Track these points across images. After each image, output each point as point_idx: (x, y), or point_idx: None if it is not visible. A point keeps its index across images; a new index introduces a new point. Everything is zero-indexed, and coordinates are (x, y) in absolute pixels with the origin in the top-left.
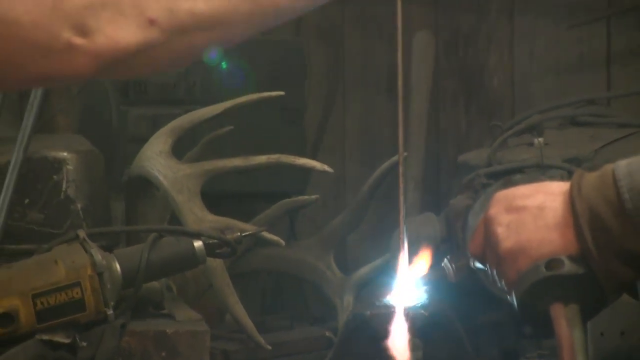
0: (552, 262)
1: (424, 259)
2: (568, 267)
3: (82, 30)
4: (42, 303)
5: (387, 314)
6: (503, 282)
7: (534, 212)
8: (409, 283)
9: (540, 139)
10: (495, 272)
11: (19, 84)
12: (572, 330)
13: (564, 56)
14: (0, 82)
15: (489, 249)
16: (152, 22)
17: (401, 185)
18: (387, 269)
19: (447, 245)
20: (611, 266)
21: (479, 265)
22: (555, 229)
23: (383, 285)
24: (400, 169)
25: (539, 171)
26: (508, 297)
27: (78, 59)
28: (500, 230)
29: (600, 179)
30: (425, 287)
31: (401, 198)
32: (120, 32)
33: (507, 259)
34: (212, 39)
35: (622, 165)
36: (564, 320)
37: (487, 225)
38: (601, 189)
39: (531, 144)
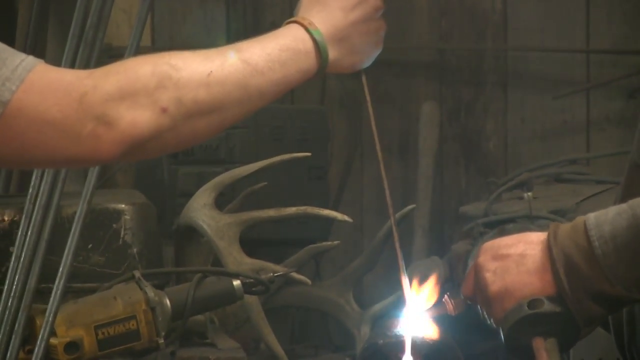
0: (533, 302)
1: (431, 294)
2: (547, 306)
3: (105, 121)
4: (103, 333)
5: (397, 343)
6: (492, 320)
7: (517, 259)
8: (416, 316)
9: (530, 194)
10: (484, 310)
11: (50, 165)
12: None
13: (549, 123)
14: (35, 163)
15: (479, 291)
16: (163, 111)
17: (395, 235)
18: (398, 304)
19: (450, 284)
20: (584, 305)
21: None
22: (535, 273)
23: (394, 318)
24: (392, 219)
25: (529, 221)
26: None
27: (101, 145)
28: (488, 276)
29: (573, 230)
30: (430, 320)
31: (397, 244)
32: (137, 120)
33: (495, 300)
34: (211, 123)
35: (592, 217)
36: (544, 351)
37: (477, 271)
38: (574, 238)
39: (522, 198)
